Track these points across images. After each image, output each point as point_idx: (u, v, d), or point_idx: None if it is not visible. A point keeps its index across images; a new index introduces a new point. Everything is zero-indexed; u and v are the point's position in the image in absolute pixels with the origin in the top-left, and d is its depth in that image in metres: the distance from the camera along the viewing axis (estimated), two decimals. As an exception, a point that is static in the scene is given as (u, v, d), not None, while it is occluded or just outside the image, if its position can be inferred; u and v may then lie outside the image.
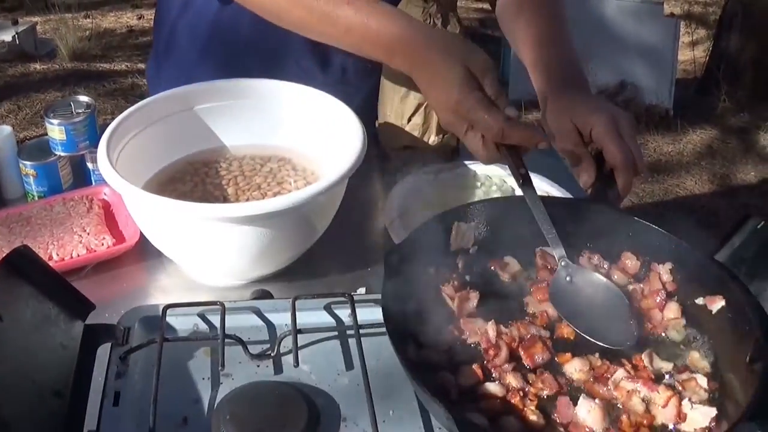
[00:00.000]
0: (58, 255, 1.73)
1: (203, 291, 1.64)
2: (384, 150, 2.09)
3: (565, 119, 1.66)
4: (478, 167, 1.99)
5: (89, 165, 2.01)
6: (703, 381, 1.24)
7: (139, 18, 9.37)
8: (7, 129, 2.01)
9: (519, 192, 1.54)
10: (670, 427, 1.18)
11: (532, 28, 1.97)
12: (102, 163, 1.58)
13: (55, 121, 1.92)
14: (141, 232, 1.70)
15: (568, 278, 1.39)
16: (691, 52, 9.01)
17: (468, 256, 1.47)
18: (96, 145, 1.86)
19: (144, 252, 1.77)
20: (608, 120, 1.60)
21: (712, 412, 1.16)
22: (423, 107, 2.00)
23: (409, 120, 2.03)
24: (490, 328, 1.28)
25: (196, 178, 1.84)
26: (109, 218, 1.90)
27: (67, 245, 1.75)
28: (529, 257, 1.48)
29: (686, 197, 6.03)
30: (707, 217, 5.67)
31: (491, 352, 1.26)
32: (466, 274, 1.43)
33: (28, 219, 1.86)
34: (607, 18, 7.64)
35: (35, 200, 1.98)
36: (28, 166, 1.95)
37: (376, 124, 2.15)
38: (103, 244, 1.77)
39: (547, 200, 1.46)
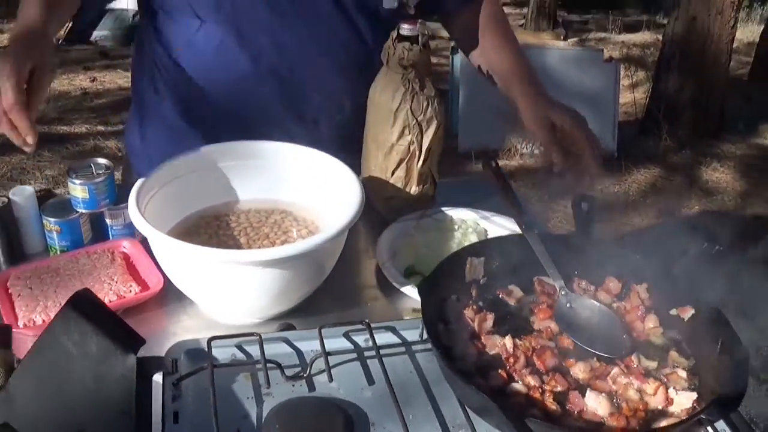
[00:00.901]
0: None
1: (223, 329, 1.81)
2: (370, 200, 2.32)
3: (542, 115, 2.25)
4: (453, 212, 2.26)
5: (108, 221, 2.15)
6: (683, 373, 1.53)
7: (92, 81, 9.46)
8: (29, 189, 2.16)
9: (491, 234, 2.11)
10: (661, 408, 1.46)
11: (502, 51, 2.51)
12: (133, 214, 1.79)
13: (78, 181, 2.06)
14: (163, 278, 1.90)
15: (568, 304, 1.69)
16: (632, 94, 9.29)
17: (480, 285, 1.75)
18: (114, 203, 2.09)
19: (165, 297, 1.94)
20: (576, 117, 2.21)
21: (693, 395, 1.45)
22: (405, 162, 2.23)
23: (393, 173, 2.26)
24: (508, 342, 1.55)
25: (210, 230, 2.04)
26: (131, 269, 2.03)
27: (98, 292, 1.84)
28: (529, 284, 1.77)
29: (634, 234, 6.26)
30: (656, 248, 5.87)
31: (511, 360, 1.52)
32: (479, 300, 1.71)
33: (56, 270, 1.98)
34: (550, 66, 7.84)
35: (58, 254, 2.11)
36: (52, 222, 2.09)
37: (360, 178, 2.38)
38: (130, 291, 1.92)
39: (541, 237, 1.77)
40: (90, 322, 1.45)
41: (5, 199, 2.14)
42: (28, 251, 2.18)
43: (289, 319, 1.85)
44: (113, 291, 1.92)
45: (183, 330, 1.86)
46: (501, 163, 7.40)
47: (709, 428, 1.44)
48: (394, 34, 2.18)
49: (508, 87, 2.41)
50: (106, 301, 1.85)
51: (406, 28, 2.14)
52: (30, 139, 1.73)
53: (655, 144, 8.04)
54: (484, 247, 1.82)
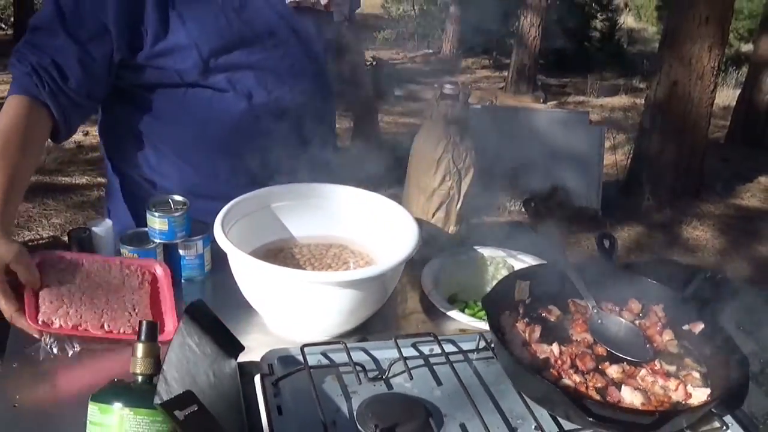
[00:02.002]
0: (108, 326, 1.99)
1: (292, 345, 1.96)
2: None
3: None
4: (485, 251, 2.53)
5: (181, 252, 2.35)
6: (697, 375, 1.84)
7: (85, 134, 9.55)
8: (108, 222, 2.41)
9: (517, 265, 2.39)
10: (681, 401, 1.76)
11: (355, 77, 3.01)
12: (220, 238, 2.04)
13: (158, 214, 2.26)
14: (175, 326, 2.02)
15: (599, 321, 1.98)
16: (613, 155, 9.54)
17: (526, 304, 2.04)
18: (189, 235, 2.32)
19: (238, 317, 2.14)
20: None
21: (707, 391, 1.76)
22: (445, 204, 2.53)
23: (434, 215, 2.54)
24: (555, 348, 1.85)
25: (277, 261, 2.24)
26: (154, 299, 2.15)
27: (118, 320, 2.01)
28: (565, 305, 2.07)
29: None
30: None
31: (559, 362, 1.82)
32: (525, 317, 1.99)
33: (88, 273, 2.10)
34: (538, 128, 8.13)
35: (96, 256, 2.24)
36: (130, 251, 2.28)
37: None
38: None
39: (576, 266, 2.09)
40: (203, 328, 1.73)
41: (87, 231, 2.36)
42: None
43: (351, 336, 2.08)
44: (130, 324, 2.02)
45: (259, 345, 2.00)
46: (489, 220, 7.68)
47: (716, 422, 1.72)
48: (437, 92, 2.47)
49: None
50: (121, 331, 2.00)
51: (449, 88, 2.46)
52: (36, 335, 1.94)
53: (637, 203, 8.32)
54: (530, 272, 2.13)
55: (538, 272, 2.13)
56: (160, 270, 2.24)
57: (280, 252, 2.33)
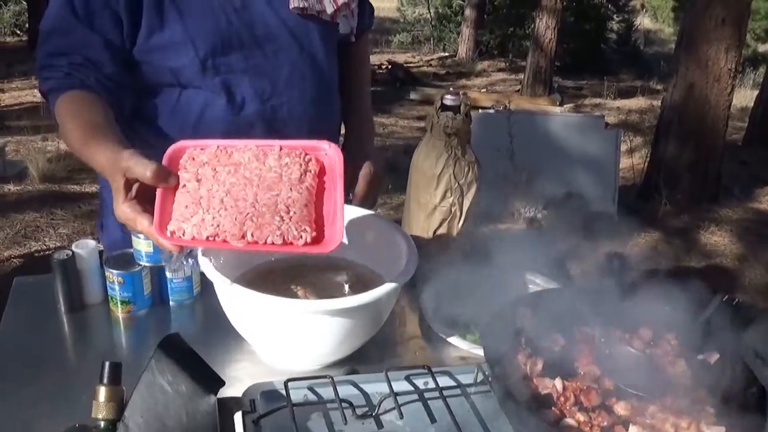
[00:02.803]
0: (252, 236, 1.64)
1: (284, 376, 1.84)
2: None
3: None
4: (489, 269, 2.38)
5: (168, 274, 2.27)
6: (711, 410, 1.68)
7: None
8: (92, 243, 2.29)
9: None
10: None
11: (358, 89, 2.83)
12: (204, 264, 1.91)
13: (143, 236, 2.12)
14: (342, 239, 1.70)
15: (607, 351, 1.85)
16: (630, 159, 9.44)
17: (528, 333, 1.89)
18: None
19: (228, 344, 2.07)
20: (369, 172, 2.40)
21: (722, 429, 1.61)
22: (446, 221, 2.40)
23: (434, 232, 2.42)
24: (558, 383, 1.70)
25: (266, 284, 2.12)
26: (318, 197, 1.78)
27: (264, 228, 1.65)
28: (571, 334, 1.92)
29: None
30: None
31: (562, 399, 1.68)
32: (528, 347, 1.85)
33: (237, 165, 1.77)
34: (553, 133, 8.03)
35: (247, 143, 1.84)
36: (115, 274, 2.19)
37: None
38: (301, 237, 1.66)
39: (584, 292, 1.98)
40: (179, 364, 1.60)
41: (69, 252, 2.24)
42: (87, 302, 2.30)
43: (344, 365, 1.98)
44: (281, 232, 1.65)
45: (247, 375, 1.96)
46: (504, 226, 7.63)
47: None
48: (437, 104, 2.35)
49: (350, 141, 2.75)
50: (268, 241, 1.64)
51: (449, 99, 2.33)
52: (174, 249, 1.70)
53: (654, 208, 8.20)
54: (532, 299, 1.99)
55: (542, 298, 1.99)
56: (330, 155, 1.85)
57: (271, 273, 2.22)
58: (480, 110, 9.55)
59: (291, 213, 1.69)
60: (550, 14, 14.49)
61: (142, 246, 2.20)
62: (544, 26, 14.63)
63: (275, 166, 1.77)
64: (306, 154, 1.82)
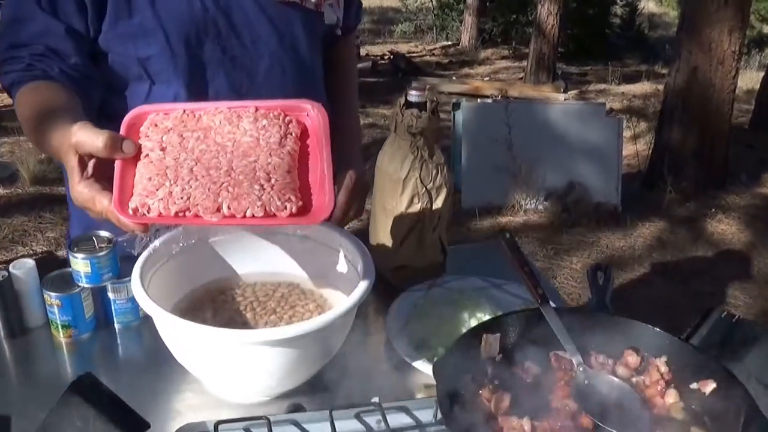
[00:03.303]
0: (229, 209, 1.47)
1: (229, 407, 1.77)
2: (378, 269, 2.28)
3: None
4: (464, 282, 2.20)
5: (110, 295, 2.09)
6: None
7: None
8: (30, 262, 2.11)
9: (502, 302, 2.08)
10: None
11: (343, 91, 2.62)
12: (137, 291, 1.72)
13: (80, 255, 1.99)
14: (332, 209, 1.55)
15: (585, 381, 1.63)
16: (634, 145, 9.29)
17: (495, 363, 1.68)
18: (118, 277, 2.03)
19: (170, 373, 1.89)
20: (353, 183, 2.06)
21: None
22: (414, 230, 2.19)
23: (402, 242, 2.22)
24: (526, 424, 1.48)
25: (215, 305, 1.98)
26: (302, 162, 1.62)
27: (242, 198, 1.47)
28: (546, 360, 1.70)
29: (640, 289, 6.23)
30: (662, 307, 5.85)
31: None
32: (495, 378, 1.63)
33: (206, 129, 1.60)
34: (553, 121, 7.86)
35: (218, 105, 1.67)
36: (53, 297, 2.03)
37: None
38: (285, 208, 1.49)
39: (558, 311, 1.72)
40: (93, 407, 1.41)
41: (5, 273, 2.07)
42: (28, 325, 2.13)
43: (297, 395, 1.81)
44: (261, 203, 1.48)
45: (188, 409, 1.81)
46: (504, 219, 7.48)
47: None
48: (401, 100, 2.14)
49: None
50: (249, 214, 1.47)
51: (414, 95, 2.11)
52: (138, 229, 1.51)
53: (659, 197, 8.00)
54: (500, 323, 1.76)
55: (511, 321, 1.76)
56: (314, 112, 1.68)
57: (220, 294, 2.05)
58: (479, 99, 9.38)
59: (272, 180, 1.51)
60: (551, 0, 14.29)
61: (79, 266, 2.01)
62: (546, 12, 14.43)
63: (251, 130, 1.60)
64: (285, 115, 1.65)
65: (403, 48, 18.71)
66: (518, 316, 1.78)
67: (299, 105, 1.68)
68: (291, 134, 1.62)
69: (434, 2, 22.20)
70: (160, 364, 1.86)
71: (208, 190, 1.47)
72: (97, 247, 2.04)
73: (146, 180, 1.50)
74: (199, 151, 1.56)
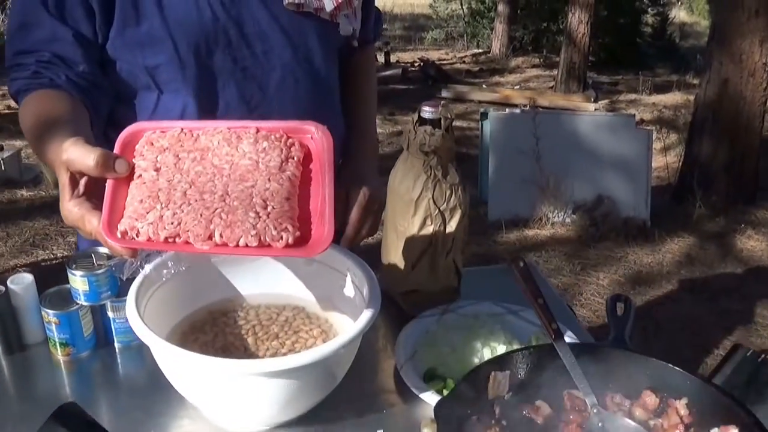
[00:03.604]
0: (221, 237, 1.39)
1: None
2: (390, 293, 2.20)
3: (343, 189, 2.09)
4: (479, 307, 2.11)
5: (110, 314, 2.03)
6: None
7: None
8: (29, 277, 2.05)
9: (519, 329, 2.00)
10: None
11: (360, 105, 2.55)
12: (131, 316, 1.65)
13: (78, 273, 1.93)
14: (331, 241, 1.44)
15: (600, 424, 1.55)
16: (664, 158, 9.19)
17: (504, 402, 1.60)
18: (117, 295, 1.96)
19: (166, 399, 1.82)
20: (367, 200, 2.11)
21: None
22: (427, 253, 2.10)
23: (414, 266, 2.13)
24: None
25: (216, 328, 1.91)
26: (303, 187, 1.54)
27: (236, 226, 1.39)
28: (558, 400, 1.62)
29: (668, 307, 6.13)
30: (690, 324, 5.76)
31: None
32: (503, 419, 1.55)
33: (203, 150, 1.54)
34: (582, 133, 7.76)
35: (215, 124, 1.61)
36: (50, 314, 1.97)
37: (379, 270, 2.27)
38: (281, 238, 1.40)
39: (573, 347, 1.63)
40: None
41: (2, 288, 2.02)
42: (27, 341, 2.08)
43: (298, 425, 1.74)
44: (256, 232, 1.39)
45: None
46: (531, 233, 7.39)
47: None
48: (414, 117, 2.06)
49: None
50: (242, 244, 1.39)
51: (427, 111, 2.02)
52: (125, 253, 1.42)
53: (688, 211, 7.89)
54: (510, 359, 1.67)
55: (522, 357, 1.67)
56: (317, 139, 1.60)
57: (222, 316, 1.97)
58: (507, 109, 9.30)
59: (269, 208, 1.43)
60: (582, 8, 14.21)
61: (77, 284, 1.95)
62: (577, 21, 14.34)
63: (250, 152, 1.53)
64: (288, 138, 1.58)
65: (433, 55, 18.69)
66: (530, 352, 1.69)
67: (303, 127, 1.61)
68: (293, 158, 1.55)
69: (465, 9, 22.16)
70: (159, 386, 1.78)
71: (201, 215, 1.40)
72: (96, 264, 1.98)
73: (137, 202, 1.43)
74: (194, 173, 1.49)
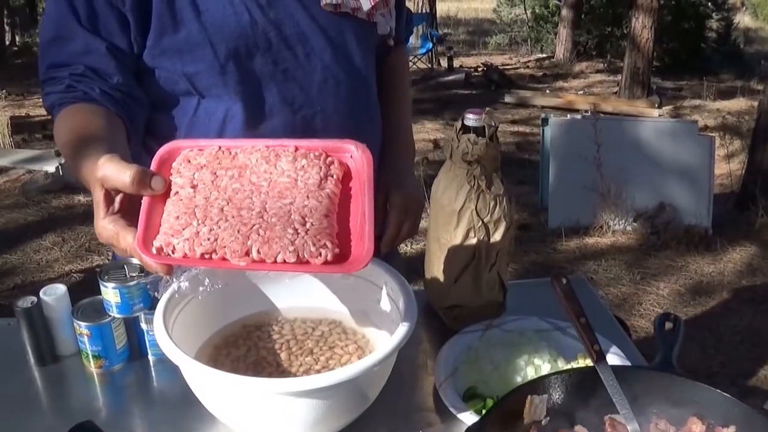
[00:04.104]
0: (258, 253, 1.36)
1: None
2: (432, 307, 2.14)
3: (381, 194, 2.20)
4: (524, 323, 2.03)
5: (143, 326, 1.99)
6: None
7: None
8: (62, 288, 2.02)
9: (565, 347, 1.90)
10: None
11: (395, 106, 2.52)
12: (159, 334, 1.60)
13: (110, 285, 1.90)
14: (371, 258, 1.39)
15: (642, 453, 1.45)
16: (727, 165, 9.10)
17: (541, 427, 1.53)
18: (150, 307, 1.91)
19: (197, 415, 1.77)
20: (406, 205, 2.20)
21: None
22: (470, 266, 2.03)
23: (457, 279, 2.06)
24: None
25: (249, 342, 1.86)
26: (342, 206, 1.50)
27: (274, 242, 1.36)
28: (599, 426, 1.55)
29: (728, 317, 6.01)
30: (750, 336, 5.66)
31: None
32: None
33: (242, 168, 1.52)
34: (643, 139, 7.68)
35: (255, 143, 1.58)
36: (82, 326, 1.95)
37: (422, 282, 2.23)
38: (320, 255, 1.37)
39: (616, 370, 1.56)
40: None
41: (35, 299, 1.99)
42: (60, 353, 2.05)
43: None
44: (294, 248, 1.36)
45: None
46: (591, 240, 7.29)
47: None
48: (458, 124, 1.99)
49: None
50: (279, 260, 1.35)
51: (471, 119, 1.95)
52: (161, 270, 1.40)
53: (751, 219, 7.76)
54: (548, 382, 1.60)
55: (560, 380, 1.60)
56: (357, 158, 1.56)
57: (257, 330, 1.92)
58: (568, 115, 9.22)
59: (307, 225, 1.40)
60: (646, 13, 14.08)
61: (110, 296, 1.92)
62: (641, 26, 14.21)
63: (289, 170, 1.50)
64: (327, 156, 1.55)
65: (497, 60, 18.70)
66: (570, 375, 1.61)
67: (342, 146, 1.57)
68: (332, 176, 1.51)
69: (529, 14, 22.12)
70: (192, 401, 1.70)
71: (238, 231, 1.37)
72: (128, 276, 1.94)
73: (173, 218, 1.40)
74: (231, 190, 1.47)
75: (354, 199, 1.51)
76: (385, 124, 2.40)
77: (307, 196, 1.45)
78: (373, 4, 2.12)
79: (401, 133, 2.50)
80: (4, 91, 11.21)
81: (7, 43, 20.61)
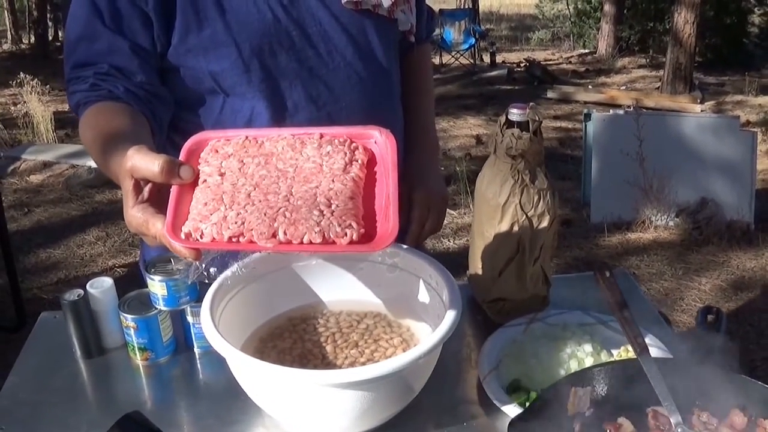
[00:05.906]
0: (285, 235, 1.37)
1: None
2: (476, 301, 2.15)
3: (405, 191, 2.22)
4: (567, 317, 2.04)
5: (189, 319, 2.01)
6: None
7: None
8: (108, 281, 2.04)
9: (609, 340, 1.92)
10: None
11: (419, 102, 2.58)
12: (206, 325, 1.61)
13: (157, 278, 1.92)
14: (397, 233, 1.41)
15: (684, 445, 1.45)
16: (769, 160, 8.98)
17: (584, 418, 1.53)
18: (196, 300, 1.93)
19: (243, 406, 1.79)
20: (431, 202, 2.29)
21: None
22: (514, 260, 2.04)
23: (501, 273, 2.06)
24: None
25: (295, 334, 1.87)
26: (368, 188, 1.52)
27: (300, 224, 1.37)
28: (642, 417, 1.55)
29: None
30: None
31: None
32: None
33: (268, 155, 1.55)
34: (685, 135, 7.61)
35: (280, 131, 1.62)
36: (128, 319, 1.96)
37: (467, 276, 2.23)
38: (345, 235, 1.37)
39: (659, 362, 1.57)
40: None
41: (81, 292, 2.01)
42: (106, 345, 2.08)
43: None
44: (320, 229, 1.37)
45: None
46: (633, 236, 7.26)
47: None
48: (502, 119, 1.99)
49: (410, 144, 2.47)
50: (305, 240, 1.37)
51: (515, 113, 1.96)
52: (189, 255, 1.42)
53: (793, 215, 7.68)
54: (591, 374, 1.61)
55: (604, 372, 1.61)
56: (381, 143, 1.59)
57: (302, 322, 1.93)
58: (610, 110, 9.17)
59: (333, 207, 1.42)
60: (688, 8, 13.97)
61: (156, 288, 1.94)
62: (683, 21, 14.10)
63: (314, 156, 1.54)
64: (352, 142, 1.58)
65: (539, 55, 18.65)
66: (614, 367, 1.62)
67: (366, 132, 1.61)
68: (357, 161, 1.54)
69: (571, 10, 22.02)
70: (237, 393, 1.73)
71: (264, 215, 1.39)
72: (174, 269, 1.96)
73: (201, 205, 1.43)
74: (258, 176, 1.50)
75: (378, 182, 1.54)
76: (408, 121, 2.43)
77: (333, 180, 1.48)
78: (393, 0, 2.15)
79: (424, 130, 2.53)
80: (48, 86, 11.26)
81: (50, 38, 20.70)
